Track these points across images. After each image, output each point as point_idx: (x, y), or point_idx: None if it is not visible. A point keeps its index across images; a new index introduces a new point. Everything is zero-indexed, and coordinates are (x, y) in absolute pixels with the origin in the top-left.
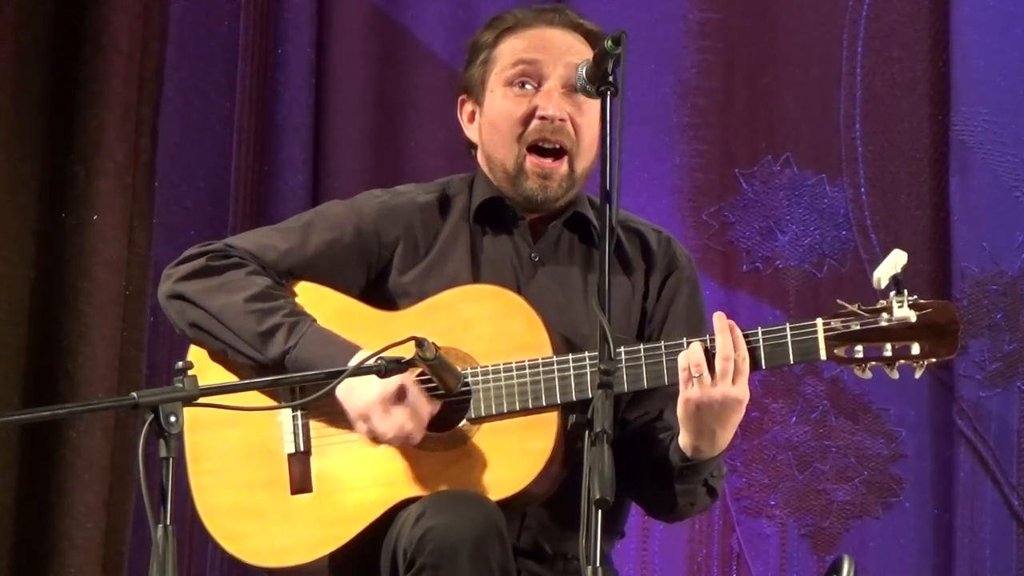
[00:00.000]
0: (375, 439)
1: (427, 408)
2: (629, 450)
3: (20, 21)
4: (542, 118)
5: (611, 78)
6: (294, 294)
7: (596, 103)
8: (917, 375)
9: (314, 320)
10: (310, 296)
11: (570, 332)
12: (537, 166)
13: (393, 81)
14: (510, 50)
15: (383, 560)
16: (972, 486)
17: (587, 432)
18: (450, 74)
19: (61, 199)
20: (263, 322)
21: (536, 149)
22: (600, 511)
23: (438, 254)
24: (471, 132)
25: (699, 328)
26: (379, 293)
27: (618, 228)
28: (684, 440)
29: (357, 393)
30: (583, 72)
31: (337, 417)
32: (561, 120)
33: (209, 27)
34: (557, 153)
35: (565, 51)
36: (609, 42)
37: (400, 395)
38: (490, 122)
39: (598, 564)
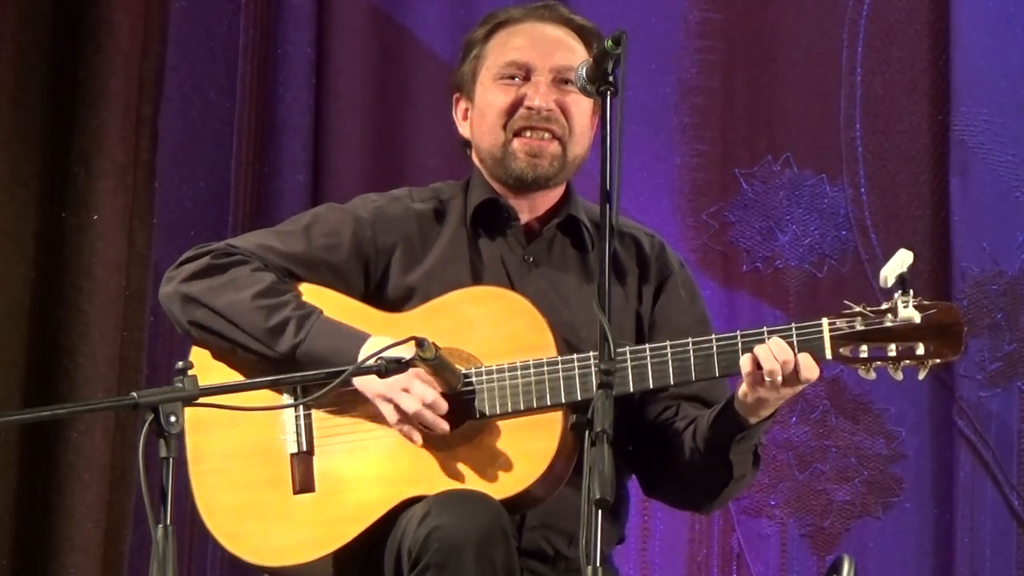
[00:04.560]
0: (402, 419)
1: (439, 388)
2: (658, 449)
3: (20, 21)
4: (529, 108)
5: (611, 78)
6: (298, 294)
7: None
8: (921, 376)
9: (321, 312)
10: (313, 297)
11: (566, 334)
12: (525, 145)
13: (393, 81)
14: (500, 45)
15: (387, 559)
16: (972, 486)
17: (587, 432)
18: (450, 74)
19: (61, 199)
20: (271, 318)
21: (523, 135)
22: (600, 511)
23: (437, 260)
24: (464, 129)
25: (703, 330)
26: (380, 298)
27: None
28: (743, 409)
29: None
30: (583, 72)
31: (340, 416)
32: (549, 110)
33: (209, 27)
34: (547, 137)
35: (555, 46)
36: (609, 42)
37: (418, 374)
38: (479, 112)
39: (598, 564)
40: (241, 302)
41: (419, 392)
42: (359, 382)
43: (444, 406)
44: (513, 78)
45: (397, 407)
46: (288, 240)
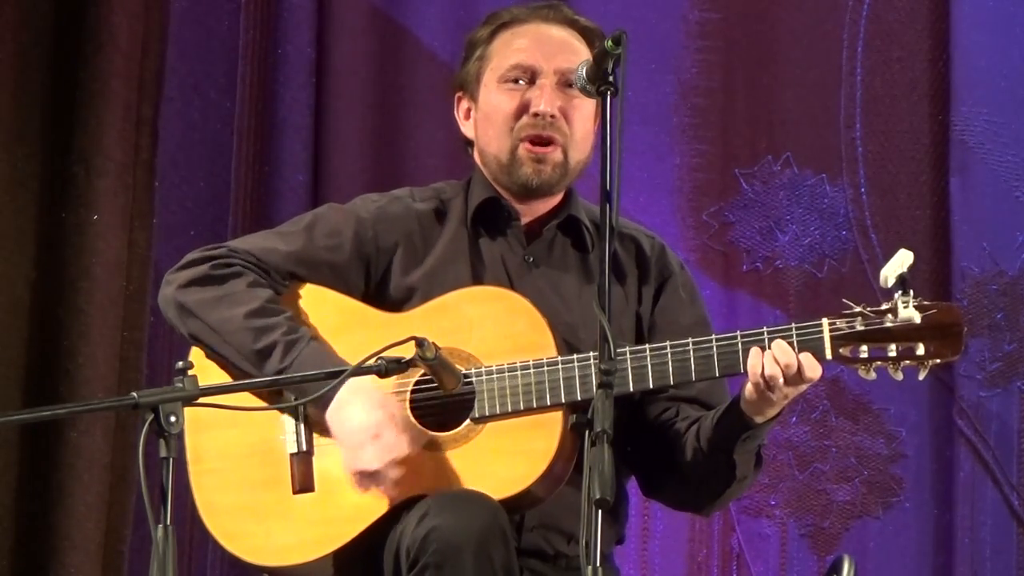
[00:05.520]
0: (356, 472)
1: (405, 450)
2: (659, 450)
3: (20, 21)
4: (535, 114)
5: (611, 78)
6: (298, 296)
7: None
8: (921, 376)
9: (312, 338)
10: (313, 298)
11: (566, 334)
12: (531, 152)
13: (393, 81)
14: (505, 46)
15: (386, 560)
16: (972, 486)
17: (587, 432)
18: (450, 74)
19: (61, 199)
20: (260, 340)
21: (528, 140)
22: (600, 511)
23: (438, 260)
24: (467, 129)
25: (703, 332)
26: (381, 298)
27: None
28: (749, 409)
29: (344, 422)
30: (583, 72)
31: None
32: (553, 116)
33: (209, 27)
34: (549, 143)
35: (559, 48)
36: (609, 42)
37: (378, 434)
38: (484, 116)
39: (598, 564)
40: (232, 319)
41: (381, 453)
42: (329, 417)
43: (396, 474)
44: (517, 81)
45: (355, 460)
46: (290, 240)
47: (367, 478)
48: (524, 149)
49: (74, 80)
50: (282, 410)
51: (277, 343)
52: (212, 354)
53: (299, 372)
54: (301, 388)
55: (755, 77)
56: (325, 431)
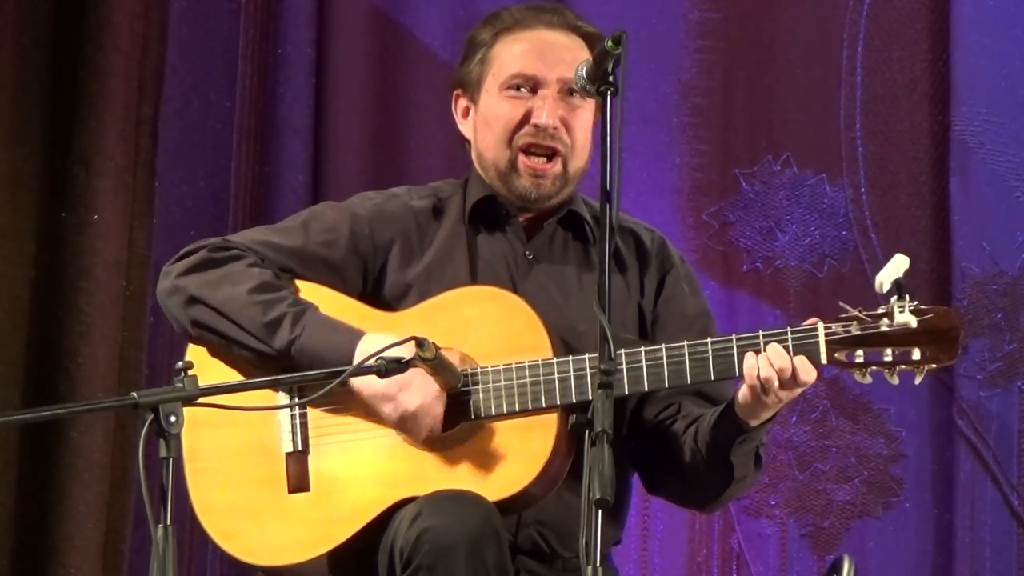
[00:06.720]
0: (402, 417)
1: (437, 390)
2: (660, 449)
3: (20, 21)
4: (535, 125)
5: (611, 78)
6: (295, 292)
7: (590, 104)
8: (917, 381)
9: (316, 307)
10: (310, 295)
11: (566, 329)
12: (530, 167)
13: (393, 81)
14: (507, 52)
15: (380, 560)
16: (972, 486)
17: (587, 432)
18: (450, 74)
19: (61, 199)
20: (267, 312)
21: (528, 151)
22: (600, 511)
23: (435, 257)
24: (464, 127)
25: (706, 325)
26: (378, 296)
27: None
28: (743, 412)
29: (374, 378)
30: (583, 72)
31: (336, 416)
32: (554, 128)
33: (209, 27)
34: (550, 155)
35: (562, 56)
36: (609, 42)
37: (409, 381)
38: (485, 121)
39: (598, 564)
40: (237, 297)
41: (420, 390)
42: (359, 384)
43: (440, 409)
44: (520, 88)
45: (398, 404)
46: (286, 236)
47: (408, 420)
48: (523, 163)
49: (74, 80)
50: (284, 407)
51: (285, 314)
52: (215, 339)
53: (310, 339)
54: (313, 365)
55: (755, 77)
56: (323, 428)
